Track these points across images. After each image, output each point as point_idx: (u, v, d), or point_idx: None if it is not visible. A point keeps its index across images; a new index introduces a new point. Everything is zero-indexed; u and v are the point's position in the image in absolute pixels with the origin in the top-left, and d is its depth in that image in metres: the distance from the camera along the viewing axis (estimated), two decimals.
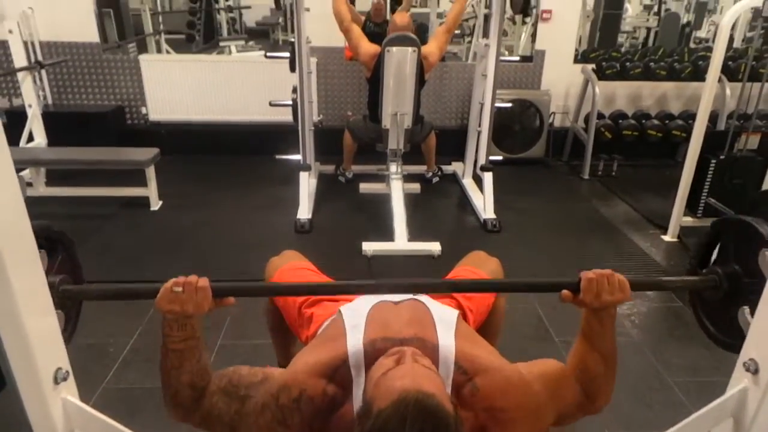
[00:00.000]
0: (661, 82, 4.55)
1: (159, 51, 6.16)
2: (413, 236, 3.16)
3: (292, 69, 3.58)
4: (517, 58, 3.76)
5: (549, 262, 3.06)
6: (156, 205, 3.61)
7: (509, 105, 4.16)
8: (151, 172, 3.56)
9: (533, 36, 4.84)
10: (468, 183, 4.06)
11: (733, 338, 1.07)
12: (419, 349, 0.99)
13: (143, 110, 4.59)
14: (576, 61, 4.70)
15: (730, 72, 4.21)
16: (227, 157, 4.57)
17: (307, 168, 3.58)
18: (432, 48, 3.50)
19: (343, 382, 1.02)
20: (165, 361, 1.04)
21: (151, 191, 3.59)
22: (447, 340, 1.07)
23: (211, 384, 1.06)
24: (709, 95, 3.07)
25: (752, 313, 0.92)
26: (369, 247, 3.03)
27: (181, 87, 4.51)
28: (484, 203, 3.50)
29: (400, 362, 0.92)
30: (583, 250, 3.22)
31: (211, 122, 4.62)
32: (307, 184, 3.54)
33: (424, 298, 1.25)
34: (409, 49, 3.21)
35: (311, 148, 3.66)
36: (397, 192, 3.42)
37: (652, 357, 2.27)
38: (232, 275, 2.78)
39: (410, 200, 3.42)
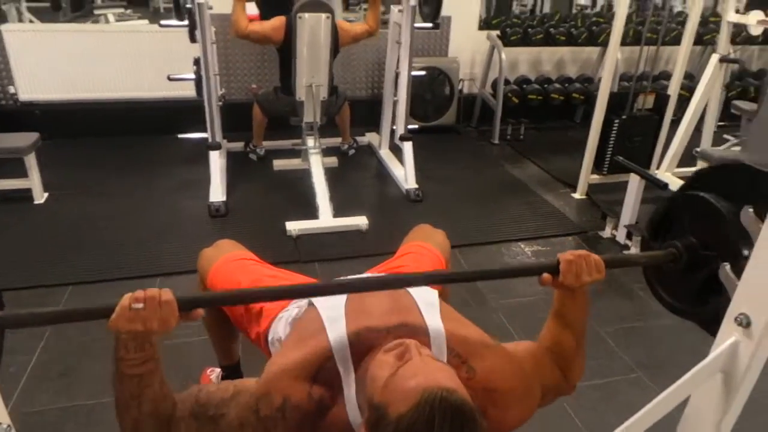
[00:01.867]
0: (560, 47, 4.75)
1: (20, 20, 5.38)
2: (338, 212, 3.06)
3: (193, 39, 3.27)
4: (430, 25, 3.70)
5: (474, 227, 3.10)
6: (41, 198, 3.18)
7: (423, 73, 4.13)
8: (31, 160, 3.11)
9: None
10: (385, 154, 4.00)
11: (690, 305, 1.15)
12: (410, 338, 0.91)
13: (11, 89, 3.99)
14: (480, 27, 4.76)
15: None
16: (122, 138, 4.12)
17: (217, 146, 3.32)
18: (351, 27, 3.41)
19: (330, 381, 0.93)
20: (121, 390, 0.89)
21: (33, 182, 3.15)
22: (435, 324, 1.01)
23: (176, 410, 0.93)
24: (612, 60, 3.23)
25: (733, 270, 0.95)
26: (293, 226, 2.89)
27: (57, 61, 3.96)
28: (405, 173, 3.46)
29: (404, 357, 0.84)
30: (504, 212, 3.30)
31: (98, 100, 4.12)
32: (218, 164, 3.29)
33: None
34: (323, 15, 3.05)
35: (219, 125, 3.39)
36: (317, 167, 3.28)
37: None
38: (145, 270, 2.53)
39: (329, 175, 3.30)
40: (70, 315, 0.94)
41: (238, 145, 3.98)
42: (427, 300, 1.07)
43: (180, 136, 3.62)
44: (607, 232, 3.01)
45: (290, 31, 3.16)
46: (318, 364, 0.93)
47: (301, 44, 3.13)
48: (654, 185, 2.62)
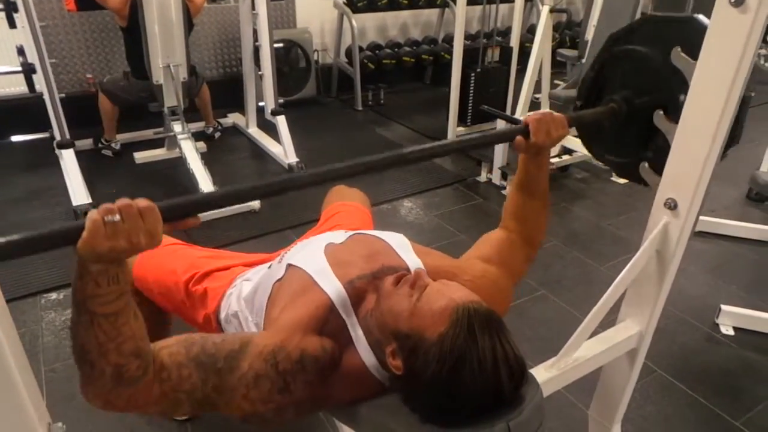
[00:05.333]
0: (402, 11, 4.94)
1: None
2: None
3: (12, 24, 2.82)
4: None
5: (362, 190, 3.16)
6: None
7: (281, 45, 4.03)
8: None
9: None
10: (255, 132, 3.87)
11: (628, 157, 1.25)
12: None
13: None
14: None
15: None
16: None
17: (69, 144, 2.94)
18: None
19: (336, 332, 0.93)
20: (94, 335, 0.74)
21: None
22: (413, 261, 1.05)
23: (173, 353, 0.82)
24: (461, 20, 3.45)
25: (665, 113, 1.10)
26: None
27: None
28: (284, 148, 3.40)
29: (418, 284, 0.87)
30: (386, 173, 3.42)
31: None
32: (74, 164, 2.92)
33: (367, 231, 1.19)
34: None
35: (64, 120, 2.99)
36: (190, 152, 3.08)
37: None
38: (16, 291, 2.21)
39: (202, 160, 3.12)
40: (25, 244, 0.69)
41: (85, 143, 3.55)
42: (399, 242, 1.10)
43: (14, 139, 3.12)
44: (483, 177, 3.29)
45: (135, 7, 2.88)
46: (323, 317, 0.93)
47: (150, 22, 2.87)
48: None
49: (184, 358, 0.83)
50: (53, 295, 2.21)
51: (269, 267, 1.16)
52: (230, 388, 0.84)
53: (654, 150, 1.16)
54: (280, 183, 0.92)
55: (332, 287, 0.97)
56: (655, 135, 1.15)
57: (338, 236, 1.15)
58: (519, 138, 1.08)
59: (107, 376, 0.76)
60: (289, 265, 1.06)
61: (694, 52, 0.98)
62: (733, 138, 1.10)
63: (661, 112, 1.11)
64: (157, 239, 0.72)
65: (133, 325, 0.77)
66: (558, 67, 4.74)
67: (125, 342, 0.76)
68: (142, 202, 0.71)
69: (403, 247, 1.09)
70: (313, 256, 1.05)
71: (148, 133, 3.49)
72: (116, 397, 0.79)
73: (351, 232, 1.15)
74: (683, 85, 1.02)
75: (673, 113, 1.07)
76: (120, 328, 0.75)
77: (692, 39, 1.01)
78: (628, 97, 1.18)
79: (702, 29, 0.95)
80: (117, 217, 0.68)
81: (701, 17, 1.06)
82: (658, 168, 1.07)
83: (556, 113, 1.11)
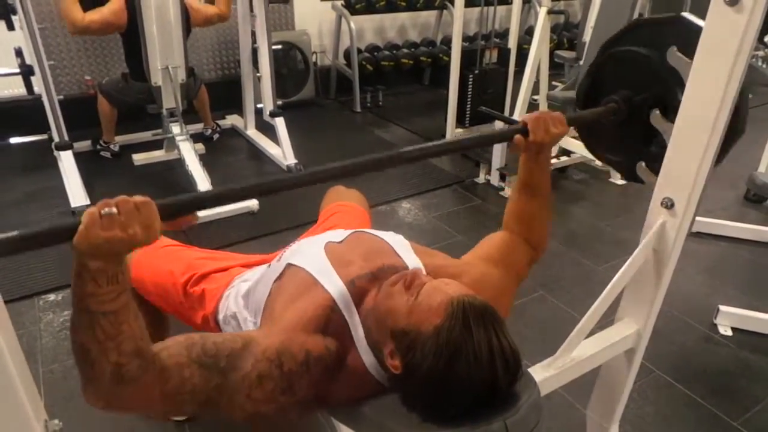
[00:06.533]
0: (401, 13, 4.95)
1: None
2: None
3: (11, 26, 2.83)
4: None
5: (363, 190, 3.17)
6: None
7: (279, 47, 4.03)
8: None
9: None
10: (254, 133, 3.87)
11: (629, 156, 1.25)
12: None
13: None
14: None
15: None
16: None
17: (68, 146, 2.94)
18: (203, 9, 3.20)
19: (338, 331, 0.93)
20: (93, 335, 0.74)
21: None
22: (413, 261, 1.06)
23: (174, 354, 0.82)
24: (458, 21, 3.46)
25: (663, 114, 1.11)
26: None
27: None
28: (282, 150, 3.40)
29: (415, 284, 0.88)
30: (385, 174, 3.40)
31: None
32: (73, 165, 2.92)
33: (366, 229, 1.19)
34: None
35: (62, 122, 2.99)
36: (189, 154, 3.08)
37: None
38: (15, 292, 2.21)
39: (200, 162, 3.12)
40: (22, 241, 0.69)
41: (83, 145, 3.55)
42: (399, 242, 1.11)
43: (12, 141, 3.12)
44: (481, 178, 3.29)
45: (133, 11, 2.88)
46: (325, 316, 0.93)
47: (149, 24, 2.87)
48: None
49: (185, 359, 0.82)
50: (51, 297, 2.21)
51: (268, 267, 1.16)
52: (233, 388, 0.84)
53: (656, 147, 1.16)
54: (276, 182, 0.93)
55: (334, 286, 0.97)
56: (655, 133, 1.15)
57: (337, 235, 1.15)
58: (518, 137, 1.08)
59: (107, 375, 0.76)
60: (289, 265, 1.06)
61: (686, 51, 0.99)
62: (737, 130, 1.09)
63: (657, 112, 1.12)
64: (153, 232, 0.72)
65: (133, 325, 0.77)
66: (556, 68, 4.75)
67: (125, 341, 0.76)
68: (138, 197, 0.72)
69: (402, 247, 1.09)
70: (314, 256, 1.05)
71: (146, 135, 3.49)
72: (117, 397, 0.78)
73: (350, 231, 1.16)
74: (679, 84, 1.02)
75: (671, 113, 1.07)
76: (120, 327, 0.75)
77: (684, 38, 1.02)
78: (628, 97, 1.19)
79: (691, 27, 0.96)
80: (114, 209, 0.69)
81: (689, 15, 1.08)
82: (658, 167, 1.07)
83: (554, 112, 1.11)
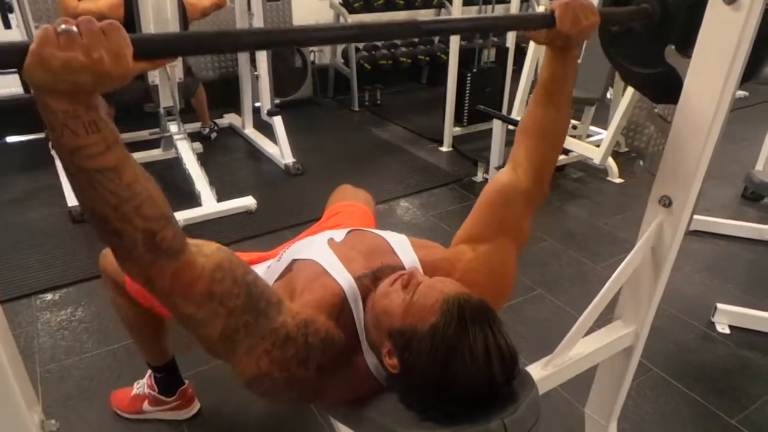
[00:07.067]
0: (399, 11, 4.94)
1: None
2: (221, 196, 2.92)
3: (8, 24, 2.82)
4: None
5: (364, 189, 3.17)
6: None
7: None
8: None
9: None
10: (251, 132, 3.87)
11: (654, 67, 1.07)
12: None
13: None
14: None
15: None
16: None
17: None
18: (203, 2, 3.18)
19: (347, 324, 0.92)
20: (101, 196, 0.65)
21: None
22: (410, 258, 1.05)
23: (233, 261, 0.80)
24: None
25: (678, 50, 1.00)
26: (177, 217, 2.68)
27: None
28: (280, 149, 3.40)
29: (411, 283, 0.88)
30: (383, 173, 3.43)
31: None
32: None
33: (365, 228, 1.19)
34: None
35: None
36: (186, 153, 3.08)
37: None
38: (12, 292, 2.20)
39: (198, 160, 3.12)
40: None
41: None
42: (398, 240, 1.10)
43: (9, 139, 3.11)
44: (479, 177, 3.29)
45: (130, 7, 2.87)
46: (338, 304, 0.92)
47: (146, 21, 2.86)
48: (517, 127, 2.91)
49: (240, 276, 0.80)
50: (48, 296, 2.20)
51: (268, 267, 1.16)
52: (260, 335, 0.82)
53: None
54: (277, 33, 0.80)
55: (345, 279, 0.96)
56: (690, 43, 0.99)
57: (338, 234, 1.14)
58: (537, 32, 0.95)
59: (140, 244, 0.69)
60: (294, 260, 1.06)
61: None
62: (750, 73, 0.99)
63: (673, 48, 1.00)
64: (124, 62, 0.60)
65: (147, 186, 0.69)
66: None
67: (143, 204, 0.68)
68: (105, 21, 0.59)
69: (400, 245, 1.09)
70: (321, 251, 1.05)
71: (144, 134, 3.48)
72: (159, 271, 0.73)
73: (349, 229, 1.15)
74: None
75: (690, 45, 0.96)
76: (130, 187, 0.67)
77: None
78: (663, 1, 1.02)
79: None
80: (73, 27, 0.57)
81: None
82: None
83: None
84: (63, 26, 0.56)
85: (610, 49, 1.17)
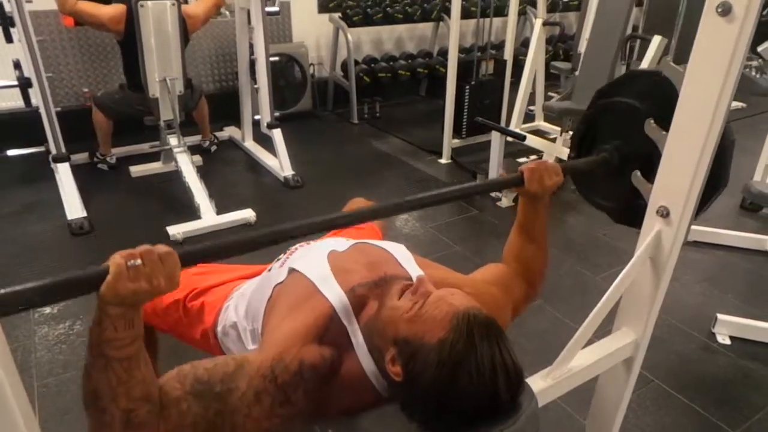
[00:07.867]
0: (398, 25, 4.99)
1: None
2: (220, 209, 2.93)
3: (9, 38, 2.84)
4: (277, 9, 3.66)
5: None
6: None
7: (277, 59, 4.06)
8: None
9: None
10: (251, 145, 3.88)
11: (621, 202, 1.30)
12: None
13: None
14: (320, 11, 4.79)
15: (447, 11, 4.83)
16: None
17: (65, 158, 2.95)
18: (197, 10, 3.19)
19: (336, 339, 0.92)
20: (106, 379, 0.75)
21: None
22: (416, 272, 1.05)
23: (169, 390, 0.82)
24: (455, 34, 3.48)
25: (644, 175, 1.13)
26: (176, 230, 2.70)
27: None
28: (280, 161, 3.41)
29: (419, 292, 0.88)
30: (383, 185, 3.44)
31: None
32: (69, 177, 2.92)
33: (368, 240, 1.19)
34: (168, 2, 2.84)
35: (60, 134, 3.00)
36: (186, 165, 3.09)
37: (477, 258, 2.60)
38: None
39: (197, 173, 3.12)
40: (51, 291, 0.73)
41: (81, 157, 3.55)
42: (402, 253, 1.11)
43: (10, 153, 3.12)
44: None
45: (132, 21, 2.90)
46: (324, 326, 0.92)
47: (147, 35, 2.89)
48: (515, 139, 2.93)
49: (180, 392, 0.82)
50: (47, 310, 2.19)
51: (269, 270, 1.16)
52: (232, 410, 0.84)
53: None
54: (292, 229, 0.97)
55: (334, 294, 0.96)
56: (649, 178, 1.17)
57: (341, 244, 1.15)
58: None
59: (117, 421, 0.77)
60: (292, 270, 1.06)
61: (670, 107, 1.01)
62: (719, 180, 1.14)
63: (639, 173, 1.16)
64: (175, 282, 0.75)
65: (143, 370, 0.79)
66: (552, 79, 4.79)
67: (135, 387, 0.77)
68: (161, 248, 0.74)
69: (406, 258, 1.10)
70: (317, 263, 1.05)
71: (144, 147, 3.50)
72: None
73: (354, 241, 1.16)
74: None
75: (653, 171, 1.11)
76: (132, 372, 0.77)
77: (665, 94, 1.07)
78: (619, 147, 1.23)
79: (668, 84, 1.03)
80: (139, 261, 0.72)
81: (665, 71, 1.13)
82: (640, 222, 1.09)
83: (550, 162, 1.16)
84: (131, 261, 0.71)
85: (583, 189, 1.44)
